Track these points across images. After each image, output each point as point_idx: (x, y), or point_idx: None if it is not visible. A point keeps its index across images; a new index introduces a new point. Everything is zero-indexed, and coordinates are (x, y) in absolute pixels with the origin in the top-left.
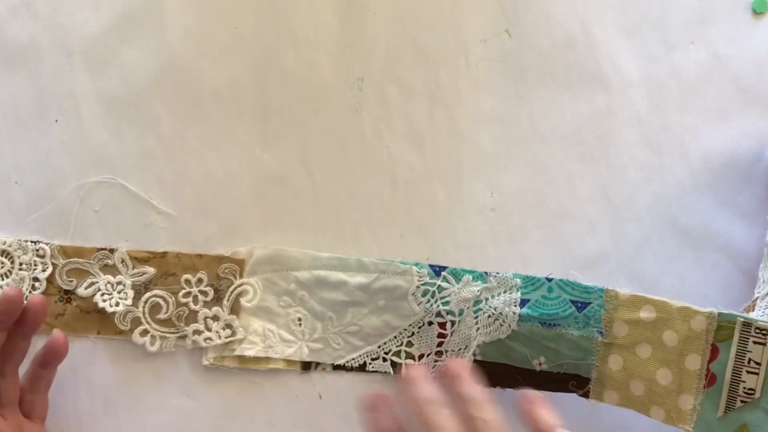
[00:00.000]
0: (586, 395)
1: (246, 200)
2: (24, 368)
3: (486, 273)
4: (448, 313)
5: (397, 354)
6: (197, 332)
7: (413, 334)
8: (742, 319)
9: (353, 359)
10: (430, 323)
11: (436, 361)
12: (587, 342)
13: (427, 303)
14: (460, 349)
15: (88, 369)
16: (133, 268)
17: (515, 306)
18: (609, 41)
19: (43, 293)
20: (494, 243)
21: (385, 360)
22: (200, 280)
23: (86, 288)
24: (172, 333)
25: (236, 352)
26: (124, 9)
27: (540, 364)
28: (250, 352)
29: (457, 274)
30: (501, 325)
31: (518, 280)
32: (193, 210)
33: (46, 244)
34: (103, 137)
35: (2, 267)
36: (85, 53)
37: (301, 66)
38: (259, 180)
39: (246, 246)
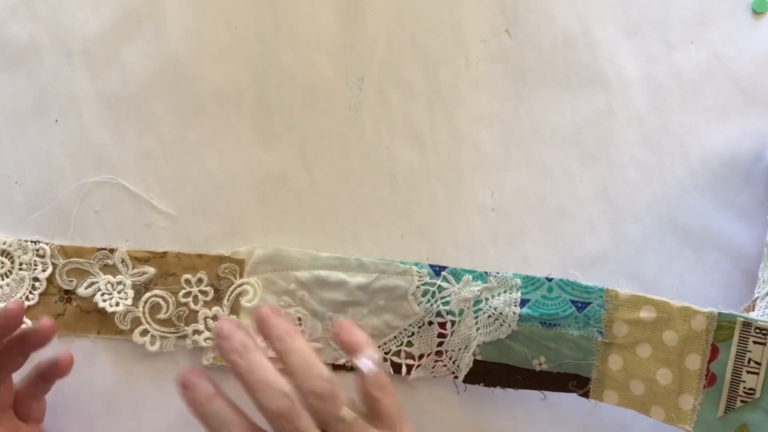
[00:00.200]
0: (586, 395)
1: (246, 200)
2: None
3: (486, 273)
4: (448, 313)
5: (397, 354)
6: (197, 332)
7: (413, 334)
8: (742, 319)
9: None
10: (430, 323)
11: (436, 361)
12: (587, 342)
13: (427, 303)
14: (460, 348)
15: (88, 369)
16: (133, 268)
17: (515, 306)
18: (609, 41)
19: (43, 293)
20: (494, 243)
21: (385, 360)
22: (200, 280)
23: (86, 288)
24: (172, 333)
25: None
26: (124, 9)
27: (540, 364)
28: None
29: (457, 274)
30: (501, 325)
31: (518, 280)
32: (193, 210)
33: (46, 244)
34: (103, 137)
35: (2, 267)
36: (85, 53)
37: (301, 66)
38: (259, 180)
39: (246, 246)
